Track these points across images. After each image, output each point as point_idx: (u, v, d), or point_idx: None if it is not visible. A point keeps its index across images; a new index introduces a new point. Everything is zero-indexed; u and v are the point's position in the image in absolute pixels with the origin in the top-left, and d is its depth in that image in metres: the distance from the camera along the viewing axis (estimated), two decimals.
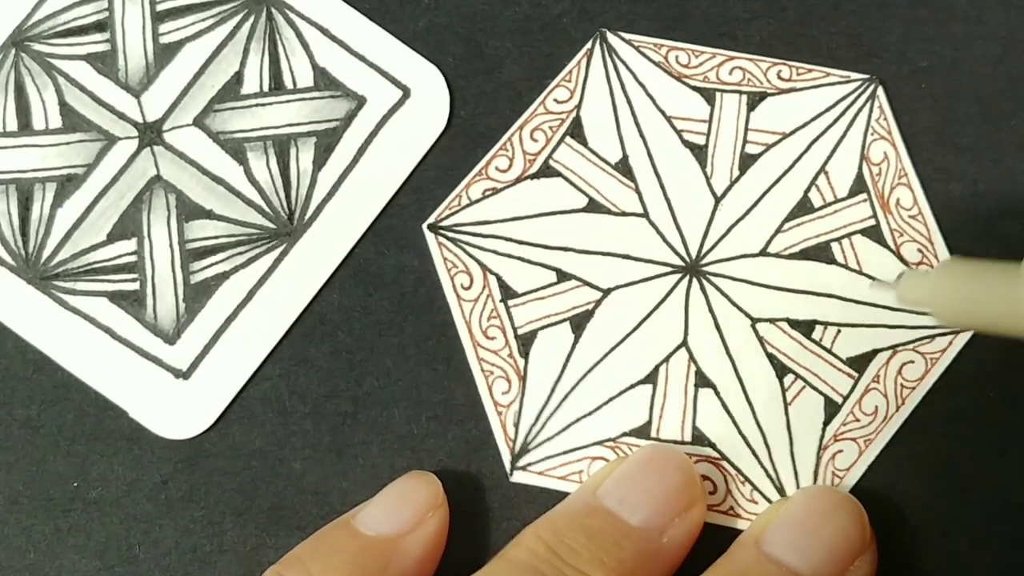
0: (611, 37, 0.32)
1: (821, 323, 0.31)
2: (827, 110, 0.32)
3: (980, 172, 0.31)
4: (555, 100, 0.32)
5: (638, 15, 0.33)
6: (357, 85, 0.33)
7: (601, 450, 0.31)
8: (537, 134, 0.32)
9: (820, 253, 0.31)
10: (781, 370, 0.31)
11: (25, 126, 0.33)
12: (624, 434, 0.31)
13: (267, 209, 0.32)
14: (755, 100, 0.32)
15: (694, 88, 0.32)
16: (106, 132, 0.33)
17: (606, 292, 0.31)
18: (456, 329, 0.31)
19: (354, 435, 0.31)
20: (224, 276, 0.32)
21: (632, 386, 0.31)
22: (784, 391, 0.30)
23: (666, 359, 0.31)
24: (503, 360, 0.31)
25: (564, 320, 0.31)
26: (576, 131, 0.32)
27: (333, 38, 0.33)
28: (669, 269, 0.31)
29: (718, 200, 0.32)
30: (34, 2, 0.34)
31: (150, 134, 0.33)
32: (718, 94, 0.32)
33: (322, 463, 0.31)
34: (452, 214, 0.32)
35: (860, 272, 0.31)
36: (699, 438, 0.30)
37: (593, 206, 0.32)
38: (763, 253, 0.31)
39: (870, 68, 0.32)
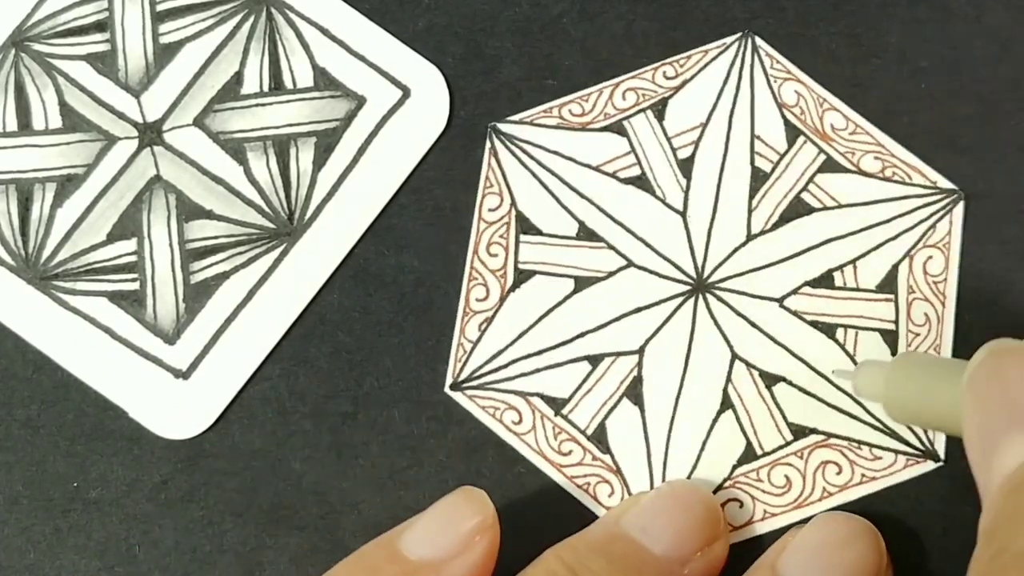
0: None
1: (787, 382, 0.31)
2: (895, 200, 0.31)
3: (980, 172, 0.31)
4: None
5: (638, 15, 0.33)
6: (357, 85, 0.33)
7: (516, 400, 0.31)
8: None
9: (827, 329, 0.31)
10: (724, 405, 0.31)
11: (25, 126, 0.33)
12: (538, 395, 0.31)
13: (267, 209, 0.32)
14: (658, 108, 0.32)
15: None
16: (106, 132, 0.33)
17: (628, 264, 0.31)
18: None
19: (354, 435, 0.31)
20: (224, 276, 0.32)
21: (576, 359, 0.31)
22: (714, 423, 0.30)
23: (617, 354, 0.31)
24: (493, 275, 0.31)
25: (569, 276, 0.31)
26: (660, 110, 0.32)
27: (333, 38, 0.33)
28: (681, 276, 0.31)
29: (750, 237, 0.31)
30: (34, 2, 0.34)
31: (150, 134, 0.33)
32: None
33: (322, 463, 0.31)
34: (517, 124, 0.32)
35: (852, 358, 0.31)
36: (598, 437, 0.31)
37: (642, 182, 0.32)
38: (779, 303, 0.31)
39: (868, 70, 0.32)
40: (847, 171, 0.31)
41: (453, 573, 0.27)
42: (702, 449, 0.30)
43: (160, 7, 0.34)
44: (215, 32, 0.33)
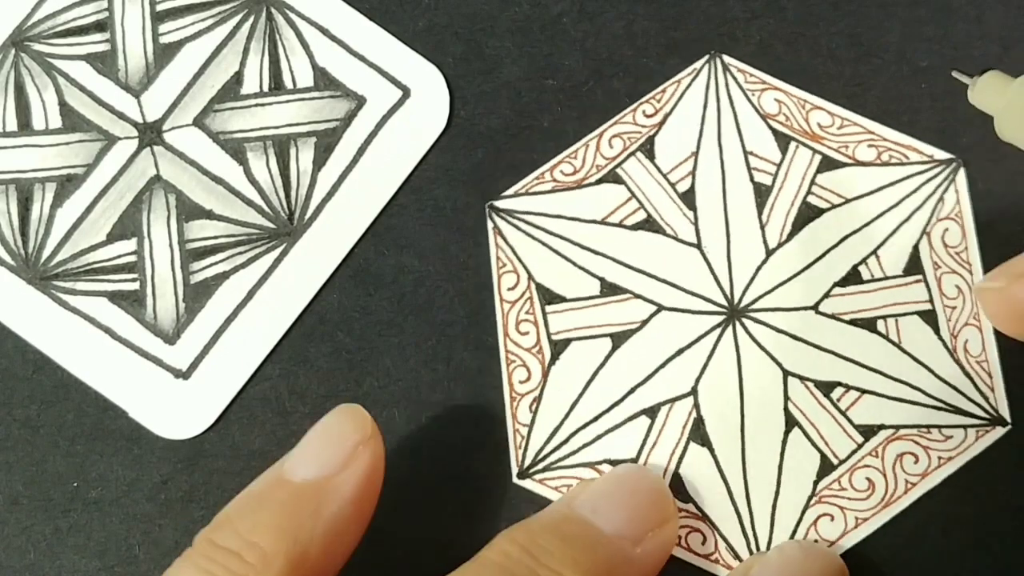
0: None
1: (843, 385, 0.30)
2: (897, 183, 0.31)
3: (980, 172, 0.31)
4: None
5: (638, 15, 0.33)
6: (357, 85, 0.33)
7: (586, 472, 0.31)
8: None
9: (867, 324, 0.31)
10: (791, 424, 0.30)
11: (25, 126, 0.33)
12: (606, 461, 0.31)
13: (267, 209, 0.32)
14: (647, 148, 0.32)
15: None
16: (106, 132, 0.33)
17: (659, 309, 0.31)
18: (494, 322, 0.31)
19: None
20: (224, 276, 0.32)
21: (635, 416, 0.31)
22: (784, 444, 0.30)
23: (672, 400, 0.31)
24: (529, 353, 0.31)
25: (603, 335, 0.31)
26: (649, 149, 0.32)
27: (333, 38, 0.33)
28: (713, 308, 0.31)
29: (769, 252, 0.31)
30: (34, 2, 0.34)
31: (150, 134, 0.33)
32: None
33: None
34: (513, 197, 0.32)
35: (898, 346, 0.31)
36: (677, 489, 0.30)
37: (651, 224, 0.32)
38: (815, 310, 0.31)
39: (868, 70, 0.32)
40: (845, 165, 0.31)
41: (339, 487, 0.27)
42: (780, 473, 0.30)
43: (160, 7, 0.34)
44: (215, 32, 0.33)
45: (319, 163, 0.33)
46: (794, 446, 0.30)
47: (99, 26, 0.34)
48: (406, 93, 0.33)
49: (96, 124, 0.33)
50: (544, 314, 0.31)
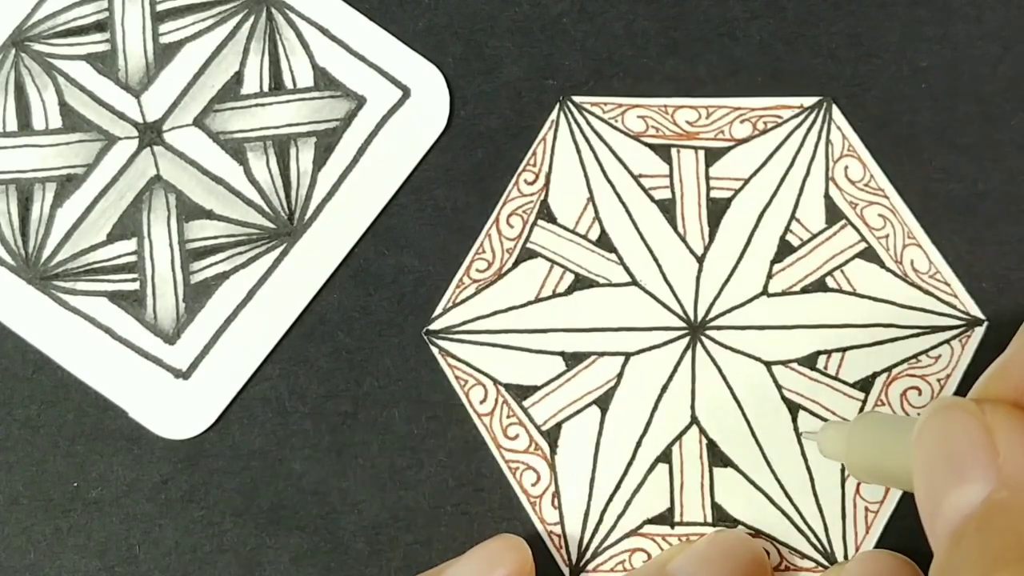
0: (576, 99, 0.32)
1: (823, 352, 0.31)
2: (783, 144, 0.32)
3: (980, 172, 0.31)
4: (525, 182, 0.32)
5: (638, 15, 0.33)
6: (357, 85, 0.33)
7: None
8: (513, 219, 0.32)
9: (817, 286, 0.31)
10: (794, 410, 0.31)
11: (25, 126, 0.33)
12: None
13: (267, 209, 0.32)
14: (713, 156, 0.32)
15: (650, 146, 0.32)
16: (106, 132, 0.33)
17: (627, 357, 0.31)
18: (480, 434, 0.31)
19: (354, 435, 0.31)
20: (224, 276, 0.32)
21: (652, 467, 0.31)
22: (798, 432, 0.30)
23: (679, 437, 0.31)
24: (528, 455, 0.31)
25: (588, 404, 0.31)
26: (546, 212, 0.32)
27: (333, 38, 0.33)
28: (675, 334, 0.31)
29: (700, 261, 0.31)
30: (34, 2, 0.34)
31: (150, 134, 0.33)
32: (673, 151, 0.32)
33: (322, 463, 0.31)
34: (443, 315, 0.32)
35: (854, 294, 0.31)
36: (721, 517, 0.30)
37: (582, 282, 0.32)
38: (765, 294, 0.31)
39: (868, 70, 0.32)
40: (729, 150, 0.32)
41: None
42: (805, 460, 0.30)
43: (160, 7, 0.34)
44: (215, 32, 0.33)
45: (319, 163, 0.33)
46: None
47: (99, 26, 0.34)
48: (406, 93, 0.33)
49: (96, 124, 0.33)
50: (524, 411, 0.31)
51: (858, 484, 0.30)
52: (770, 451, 0.30)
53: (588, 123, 0.32)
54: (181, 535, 0.31)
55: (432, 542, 0.31)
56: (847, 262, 0.31)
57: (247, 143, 0.33)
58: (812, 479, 0.30)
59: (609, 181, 0.32)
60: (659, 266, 0.31)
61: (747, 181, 0.32)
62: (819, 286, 0.31)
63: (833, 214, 0.31)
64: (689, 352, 0.31)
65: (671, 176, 0.32)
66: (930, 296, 0.31)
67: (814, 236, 0.31)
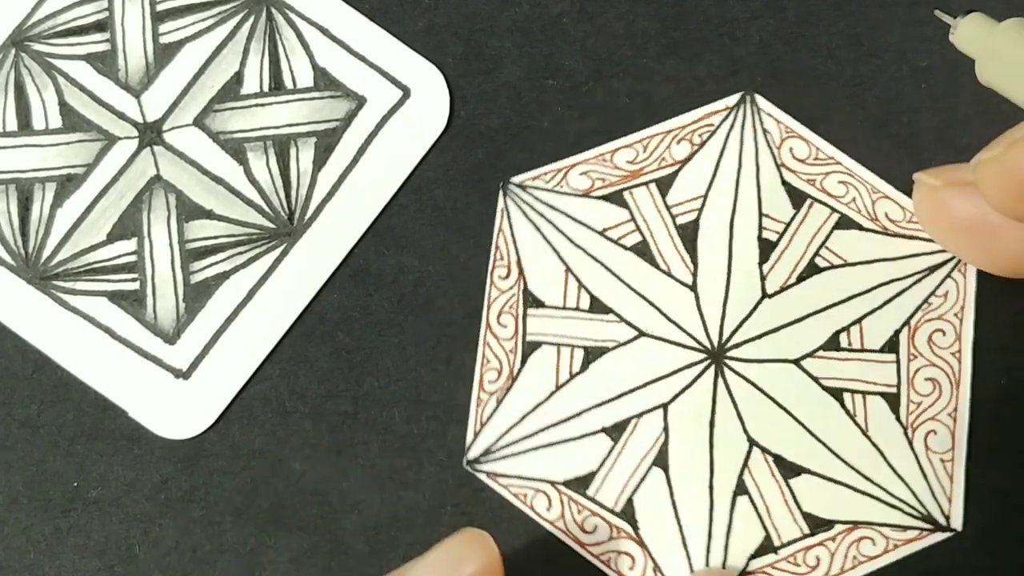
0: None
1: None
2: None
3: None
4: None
5: (638, 15, 0.33)
6: (357, 85, 0.33)
7: (547, 487, 0.31)
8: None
9: (839, 394, 0.31)
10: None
11: (25, 126, 0.33)
12: (568, 481, 0.31)
13: (267, 209, 0.32)
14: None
15: (788, 185, 0.32)
16: (106, 132, 0.33)
17: (640, 334, 0.31)
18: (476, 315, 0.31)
19: (354, 435, 0.31)
20: (224, 276, 0.32)
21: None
22: (733, 508, 0.30)
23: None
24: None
25: (580, 347, 0.31)
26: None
27: (333, 38, 0.33)
28: (696, 345, 0.31)
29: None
30: (34, 2, 0.34)
31: (150, 134, 0.33)
32: (808, 201, 0.32)
33: (322, 463, 0.31)
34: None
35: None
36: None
37: (644, 250, 0.32)
38: (797, 363, 0.31)
39: (868, 70, 0.32)
40: (861, 228, 0.31)
41: None
42: (728, 530, 0.30)
43: (160, 7, 0.34)
44: (215, 32, 0.33)
45: (319, 163, 0.33)
46: (740, 512, 0.30)
47: (99, 26, 0.34)
48: (406, 93, 0.33)
49: (96, 124, 0.33)
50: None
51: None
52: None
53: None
54: (181, 535, 0.31)
55: (432, 542, 0.31)
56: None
57: (247, 143, 0.33)
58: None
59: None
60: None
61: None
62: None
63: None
64: (720, 379, 0.31)
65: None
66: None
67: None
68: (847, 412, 0.30)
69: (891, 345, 0.31)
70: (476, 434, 0.31)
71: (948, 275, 0.31)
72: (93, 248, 0.32)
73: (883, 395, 0.30)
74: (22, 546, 0.31)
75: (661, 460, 0.31)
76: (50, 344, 0.32)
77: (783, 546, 0.30)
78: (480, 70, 0.33)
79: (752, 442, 0.30)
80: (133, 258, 0.32)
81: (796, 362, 0.31)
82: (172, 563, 0.31)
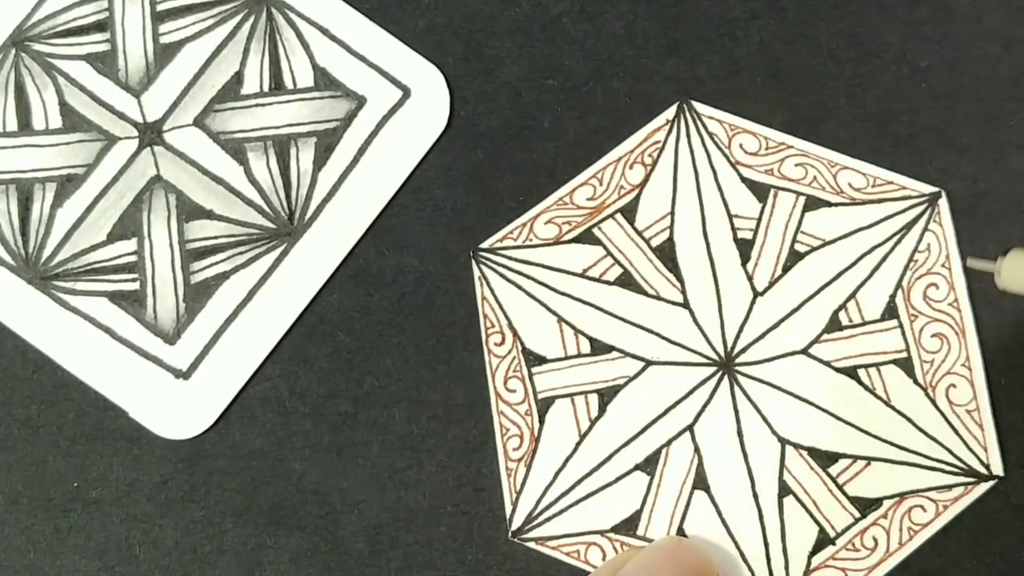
0: (696, 106, 0.32)
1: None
2: (882, 221, 0.31)
3: (980, 172, 0.31)
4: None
5: (638, 15, 0.33)
6: (357, 85, 0.33)
7: (597, 538, 0.31)
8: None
9: (853, 373, 0.31)
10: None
11: (25, 126, 0.33)
12: (616, 526, 0.31)
13: (267, 209, 0.32)
14: (812, 204, 0.32)
15: (746, 180, 0.32)
16: (106, 132, 0.33)
17: (647, 364, 0.31)
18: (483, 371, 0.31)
19: (354, 435, 0.31)
20: (224, 276, 0.32)
21: (631, 471, 0.31)
22: (782, 511, 0.30)
23: (668, 442, 0.31)
24: (520, 417, 0.31)
25: (592, 391, 0.31)
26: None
27: (333, 38, 0.33)
28: (704, 360, 0.31)
29: (757, 295, 0.31)
30: (34, 2, 0.34)
31: (150, 134, 0.33)
32: (772, 191, 0.32)
33: (322, 463, 0.31)
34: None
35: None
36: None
37: (628, 280, 0.32)
38: (805, 353, 0.31)
39: (868, 70, 0.32)
40: (830, 204, 0.31)
41: None
42: (783, 535, 0.30)
43: (160, 7, 0.34)
44: (215, 32, 0.33)
45: (319, 163, 0.33)
46: (789, 512, 0.30)
47: (99, 26, 0.34)
48: (406, 93, 0.33)
49: (96, 124, 0.33)
50: (531, 376, 0.31)
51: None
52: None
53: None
54: (181, 535, 0.31)
55: (432, 542, 0.31)
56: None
57: (247, 143, 0.33)
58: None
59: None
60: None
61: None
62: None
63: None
64: (735, 387, 0.31)
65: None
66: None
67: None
68: (866, 388, 0.30)
69: (890, 311, 0.31)
70: (514, 504, 0.31)
71: (926, 228, 0.31)
72: (93, 248, 0.32)
73: (895, 362, 0.30)
74: (22, 546, 0.31)
75: (701, 482, 0.30)
76: (50, 344, 0.32)
77: (839, 535, 0.30)
78: (480, 70, 0.33)
79: (783, 441, 0.30)
80: (133, 258, 0.32)
81: (804, 352, 0.31)
82: (172, 563, 0.31)
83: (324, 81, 0.33)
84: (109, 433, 0.32)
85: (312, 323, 0.32)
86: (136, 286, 0.32)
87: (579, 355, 0.31)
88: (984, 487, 0.30)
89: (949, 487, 0.30)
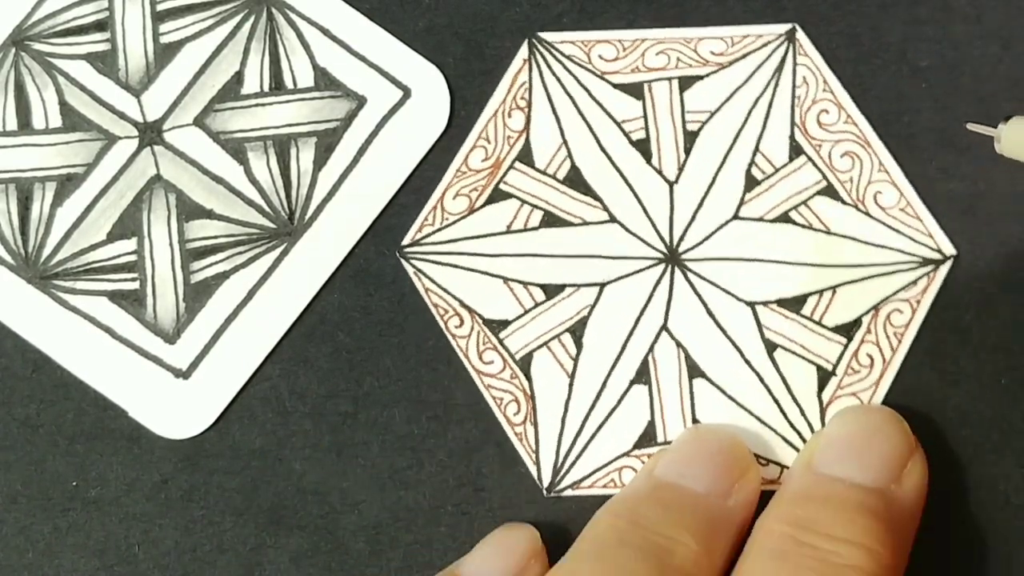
0: (545, 37, 0.32)
1: (812, 293, 0.31)
2: (754, 74, 0.32)
3: (980, 172, 0.31)
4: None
5: (638, 15, 0.33)
6: (357, 85, 0.33)
7: (625, 459, 0.31)
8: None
9: (786, 217, 0.31)
10: (771, 348, 0.31)
11: (25, 125, 0.33)
12: (635, 445, 0.31)
13: (267, 209, 0.32)
14: (686, 83, 0.32)
15: (619, 86, 0.32)
16: (106, 132, 0.33)
17: (601, 287, 0.31)
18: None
19: (354, 435, 0.31)
20: (224, 276, 0.32)
21: (628, 388, 0.31)
22: (777, 366, 0.31)
23: (651, 348, 0.31)
24: (507, 383, 0.31)
25: (563, 332, 0.31)
26: (525, 154, 0.32)
27: (333, 38, 0.33)
28: (651, 262, 0.31)
29: (672, 185, 0.32)
30: (34, 1, 0.34)
31: (150, 134, 0.33)
32: (645, 86, 0.32)
33: (322, 463, 0.31)
34: (422, 237, 0.32)
35: (829, 232, 0.31)
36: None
37: (552, 219, 0.32)
38: (736, 218, 0.31)
39: (868, 70, 0.32)
40: (702, 77, 0.32)
41: None
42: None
43: (160, 7, 0.34)
44: (215, 32, 0.33)
45: (320, 163, 0.33)
46: (786, 364, 0.31)
47: (99, 25, 0.34)
48: (407, 93, 0.33)
49: (96, 124, 0.33)
50: (501, 342, 0.31)
51: (876, 199, 0.31)
52: (813, 258, 0.31)
53: (560, 63, 0.32)
54: (181, 535, 0.31)
55: (432, 542, 0.31)
56: (812, 197, 0.32)
57: (247, 143, 0.33)
58: (852, 238, 0.31)
59: (585, 121, 0.32)
60: (636, 196, 0.32)
61: (713, 113, 0.32)
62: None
63: (795, 151, 0.32)
64: (669, 280, 0.31)
65: (644, 115, 0.32)
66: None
67: (777, 170, 0.32)
68: (803, 226, 0.31)
69: (795, 150, 0.32)
70: (537, 464, 0.31)
71: (795, 63, 0.32)
72: (93, 248, 0.32)
73: (819, 193, 0.31)
74: (21, 545, 0.31)
75: (695, 371, 0.31)
76: (50, 344, 0.32)
77: (836, 365, 0.31)
78: (480, 70, 0.33)
79: (751, 304, 0.31)
80: (133, 258, 0.32)
81: (736, 217, 0.31)
82: (172, 563, 0.31)
83: (324, 81, 0.33)
84: (109, 433, 0.31)
85: (312, 323, 0.32)
86: (136, 285, 0.32)
87: (536, 305, 0.32)
88: (944, 269, 0.31)
89: (914, 282, 0.31)
